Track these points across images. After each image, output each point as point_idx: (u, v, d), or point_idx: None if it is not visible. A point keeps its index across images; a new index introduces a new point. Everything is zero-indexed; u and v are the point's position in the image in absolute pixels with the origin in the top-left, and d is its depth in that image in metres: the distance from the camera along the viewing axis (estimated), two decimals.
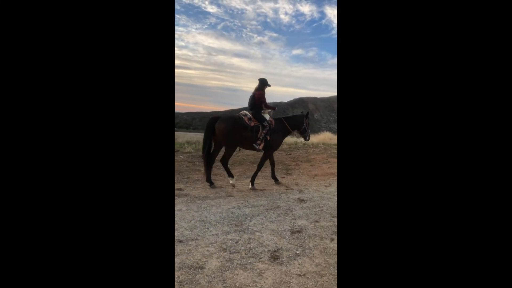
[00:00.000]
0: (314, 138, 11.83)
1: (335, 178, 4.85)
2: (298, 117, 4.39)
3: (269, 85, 4.06)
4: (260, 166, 4.06)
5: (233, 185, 3.90)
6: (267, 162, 4.15)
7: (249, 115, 3.89)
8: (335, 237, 2.42)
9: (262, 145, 3.88)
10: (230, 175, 3.94)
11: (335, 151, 8.16)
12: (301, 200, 3.44)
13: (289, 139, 9.92)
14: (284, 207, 3.15)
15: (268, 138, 3.91)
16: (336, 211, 3.08)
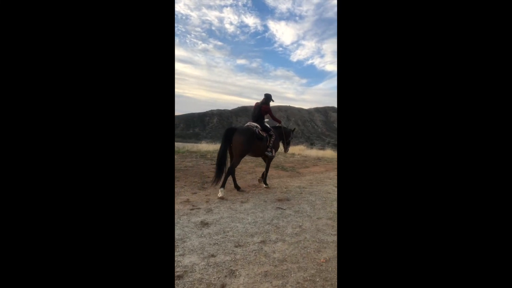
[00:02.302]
0: None
1: (257, 190, 4.29)
2: (288, 130, 5.05)
3: (273, 100, 4.52)
4: (267, 168, 4.73)
5: (222, 198, 3.77)
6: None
7: (259, 126, 4.31)
8: (229, 280, 1.76)
9: (274, 151, 4.48)
10: (223, 186, 3.87)
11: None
12: (204, 224, 2.72)
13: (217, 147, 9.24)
14: (176, 236, 2.38)
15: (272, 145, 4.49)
16: (242, 237, 2.45)
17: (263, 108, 4.37)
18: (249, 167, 6.11)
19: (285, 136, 4.93)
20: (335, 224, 2.99)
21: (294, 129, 5.35)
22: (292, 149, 12.23)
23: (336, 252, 2.31)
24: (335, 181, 5.55)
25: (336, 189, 4.76)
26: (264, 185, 4.60)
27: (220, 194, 3.75)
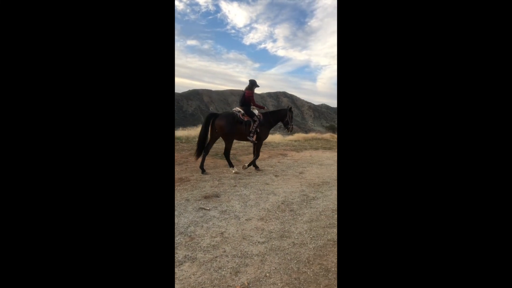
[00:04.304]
0: (192, 131, 10.45)
1: (181, 186, 3.57)
2: (282, 111, 5.05)
3: (258, 86, 4.70)
4: (257, 154, 4.84)
5: (237, 173, 4.40)
6: None
7: (242, 111, 4.51)
8: None
9: (255, 136, 4.57)
10: (232, 165, 4.48)
11: None
12: None
13: None
14: None
15: (258, 130, 4.57)
16: None
17: (246, 93, 4.57)
18: (181, 157, 5.32)
19: (275, 120, 4.93)
20: (266, 226, 2.47)
21: (290, 107, 5.16)
22: None
23: (259, 271, 1.77)
24: (276, 169, 5.12)
25: (275, 179, 4.30)
26: (255, 169, 4.81)
27: (234, 170, 4.42)
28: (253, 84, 4.63)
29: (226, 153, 4.44)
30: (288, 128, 5.05)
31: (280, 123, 5.13)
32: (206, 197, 3.16)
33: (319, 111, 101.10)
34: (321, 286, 1.66)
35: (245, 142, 6.15)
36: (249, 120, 4.49)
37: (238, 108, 4.61)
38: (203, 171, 4.32)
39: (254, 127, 4.50)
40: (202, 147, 4.26)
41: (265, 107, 5.01)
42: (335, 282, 1.69)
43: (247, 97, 4.58)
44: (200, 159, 4.36)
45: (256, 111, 4.69)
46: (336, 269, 1.84)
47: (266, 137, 4.93)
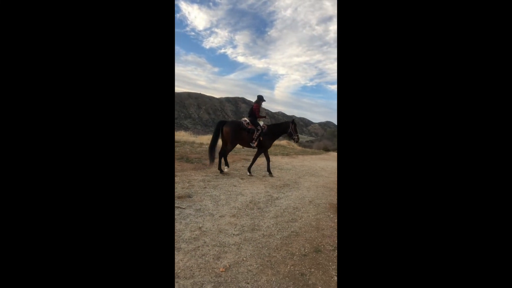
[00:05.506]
0: None
1: None
2: (284, 123, 5.63)
3: (264, 100, 5.50)
4: (254, 159, 5.61)
5: (227, 173, 5.14)
6: None
7: (248, 120, 5.28)
8: None
9: (256, 143, 5.23)
10: (227, 164, 5.38)
11: None
12: None
13: None
14: None
15: (261, 138, 5.25)
16: None
17: (254, 106, 5.37)
18: None
19: (278, 131, 5.54)
20: (238, 221, 2.80)
21: (293, 120, 5.64)
22: (201, 138, 11.74)
23: (237, 256, 2.09)
24: (241, 172, 5.47)
25: (242, 181, 4.65)
26: (269, 174, 5.47)
27: (226, 170, 5.25)
28: (260, 99, 5.42)
29: (224, 153, 5.22)
30: (294, 139, 5.52)
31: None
32: (179, 197, 3.36)
33: (275, 118, 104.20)
34: (288, 265, 2.04)
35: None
36: (253, 128, 5.20)
37: (245, 118, 5.39)
38: (221, 171, 5.17)
39: (256, 135, 5.18)
40: (214, 150, 4.97)
41: (267, 117, 5.70)
42: (299, 262, 2.10)
43: (255, 109, 5.34)
44: (214, 162, 5.15)
45: (261, 122, 5.40)
46: (299, 252, 2.25)
47: (269, 146, 5.56)
